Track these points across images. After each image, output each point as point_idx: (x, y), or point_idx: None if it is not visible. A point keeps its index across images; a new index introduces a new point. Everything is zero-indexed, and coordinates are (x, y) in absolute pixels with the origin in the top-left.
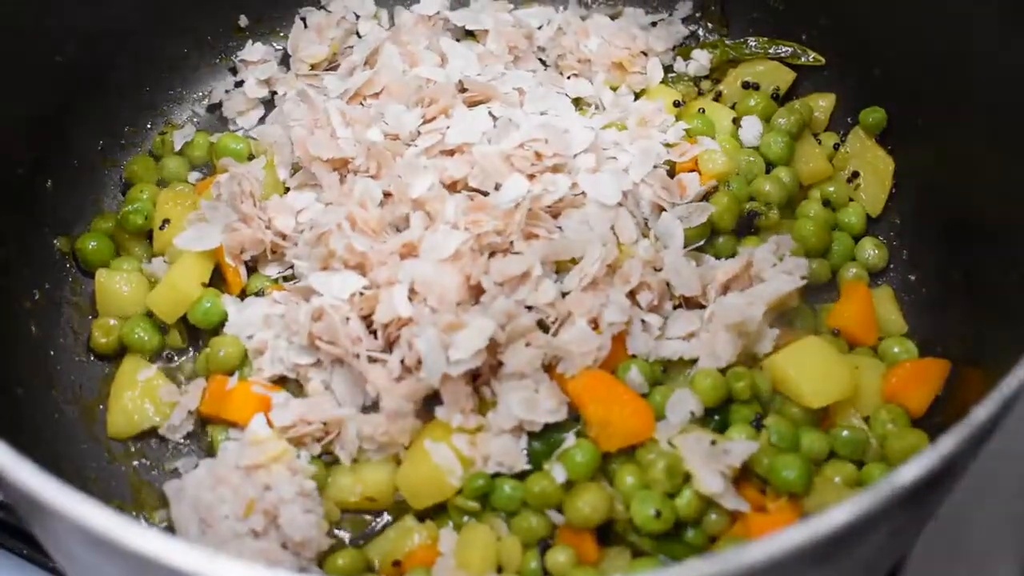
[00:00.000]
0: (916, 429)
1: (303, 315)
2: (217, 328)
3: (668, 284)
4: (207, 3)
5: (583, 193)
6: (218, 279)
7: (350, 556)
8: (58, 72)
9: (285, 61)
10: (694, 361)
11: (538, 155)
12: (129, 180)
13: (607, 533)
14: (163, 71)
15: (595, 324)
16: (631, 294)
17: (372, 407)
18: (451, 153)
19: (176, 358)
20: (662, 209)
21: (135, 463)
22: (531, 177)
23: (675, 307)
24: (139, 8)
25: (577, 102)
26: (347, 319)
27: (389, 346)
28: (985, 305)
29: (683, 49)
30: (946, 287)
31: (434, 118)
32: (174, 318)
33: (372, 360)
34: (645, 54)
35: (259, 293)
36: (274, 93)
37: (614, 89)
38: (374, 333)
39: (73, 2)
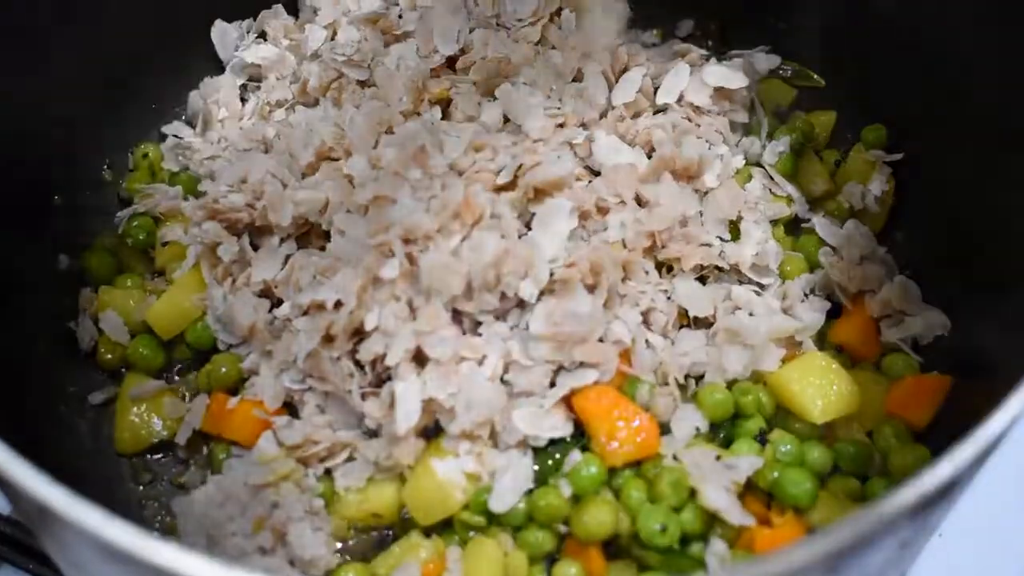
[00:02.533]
0: (918, 444)
1: (292, 348)
2: (216, 346)
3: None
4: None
5: None
6: None
7: (357, 572)
8: (69, 90)
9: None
10: (700, 377)
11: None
12: (130, 197)
13: (613, 547)
14: (172, 89)
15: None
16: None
17: (373, 432)
18: None
19: (183, 372)
20: None
21: (141, 477)
22: None
23: (682, 327)
24: (152, 30)
25: None
26: (337, 358)
27: (380, 381)
28: (986, 321)
29: None
30: (947, 303)
31: None
32: (171, 335)
33: (364, 396)
34: None
35: None
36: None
37: None
38: (363, 367)
39: (87, 24)
